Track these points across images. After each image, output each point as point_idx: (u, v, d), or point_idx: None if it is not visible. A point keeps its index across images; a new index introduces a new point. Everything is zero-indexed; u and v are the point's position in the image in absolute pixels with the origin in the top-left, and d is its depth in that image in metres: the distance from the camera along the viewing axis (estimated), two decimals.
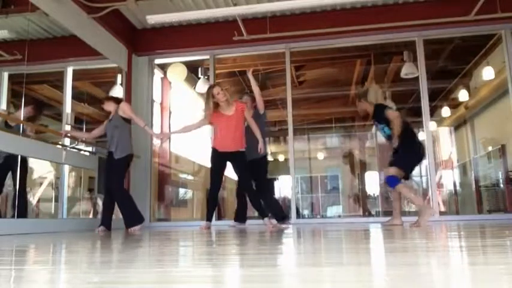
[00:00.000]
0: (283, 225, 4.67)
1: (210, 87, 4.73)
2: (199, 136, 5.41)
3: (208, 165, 4.71)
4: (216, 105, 4.62)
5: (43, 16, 4.91)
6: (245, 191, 4.76)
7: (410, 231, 3.17)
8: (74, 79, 5.80)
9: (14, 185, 4.55)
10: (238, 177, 4.78)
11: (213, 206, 4.76)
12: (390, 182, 4.23)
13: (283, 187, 9.84)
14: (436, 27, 5.74)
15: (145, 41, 6.47)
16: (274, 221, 4.65)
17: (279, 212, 4.97)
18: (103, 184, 4.80)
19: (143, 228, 4.88)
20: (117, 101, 4.84)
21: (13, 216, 4.41)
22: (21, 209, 4.57)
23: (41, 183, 5.77)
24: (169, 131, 7.16)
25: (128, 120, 4.71)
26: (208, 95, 4.63)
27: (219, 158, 4.66)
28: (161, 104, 7.24)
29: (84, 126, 6.04)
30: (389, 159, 4.46)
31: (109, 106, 4.77)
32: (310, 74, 9.03)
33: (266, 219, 4.61)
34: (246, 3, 5.52)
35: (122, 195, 4.63)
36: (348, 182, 13.80)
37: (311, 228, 4.01)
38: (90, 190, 6.13)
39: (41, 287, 1.01)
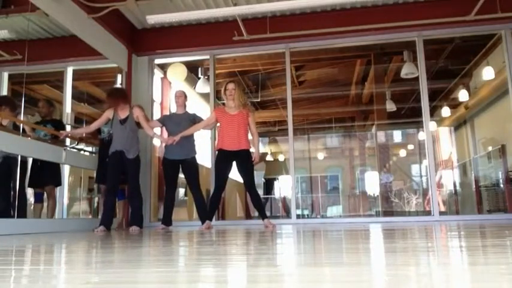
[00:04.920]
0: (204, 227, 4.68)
1: (228, 82, 4.89)
2: (199, 136, 5.43)
3: (207, 165, 4.75)
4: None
5: (43, 16, 4.91)
6: (250, 191, 4.77)
7: (411, 231, 3.17)
8: (74, 79, 5.79)
9: (14, 185, 4.55)
10: (243, 177, 4.79)
11: (214, 206, 4.83)
12: None
13: (283, 187, 9.83)
14: (436, 27, 5.74)
15: (145, 41, 6.47)
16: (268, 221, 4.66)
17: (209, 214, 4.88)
18: (109, 182, 4.80)
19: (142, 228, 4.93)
20: (125, 99, 4.91)
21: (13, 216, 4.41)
22: (21, 209, 4.58)
23: None
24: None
25: (137, 124, 4.90)
26: (224, 87, 4.82)
27: (223, 159, 4.69)
28: (161, 104, 7.24)
29: (84, 126, 6.04)
30: None
31: (123, 107, 4.85)
32: (310, 74, 9.03)
33: (266, 220, 4.64)
34: (246, 3, 5.52)
35: (140, 194, 4.85)
36: (348, 182, 13.82)
37: (311, 228, 4.01)
38: (90, 190, 6.13)
39: (40, 287, 1.01)
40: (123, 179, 4.86)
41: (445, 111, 9.65)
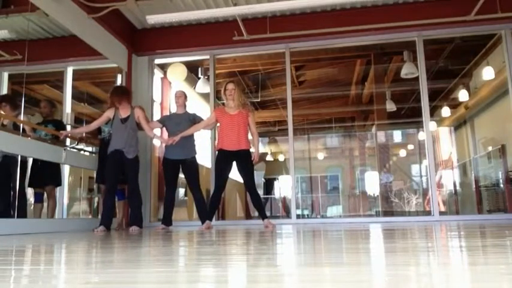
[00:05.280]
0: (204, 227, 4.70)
1: (228, 82, 4.90)
2: (199, 136, 5.44)
3: (207, 165, 4.75)
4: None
5: (43, 16, 4.91)
6: (250, 191, 4.77)
7: (411, 231, 3.17)
8: (74, 79, 5.79)
9: (14, 185, 4.55)
10: (243, 177, 4.78)
11: (215, 206, 4.83)
12: None
13: (283, 187, 9.84)
14: (436, 27, 5.74)
15: (145, 41, 6.47)
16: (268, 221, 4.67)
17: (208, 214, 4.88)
18: (108, 182, 4.79)
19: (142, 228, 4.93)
20: (129, 98, 4.94)
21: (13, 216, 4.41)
22: (21, 209, 4.58)
23: None
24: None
25: (138, 125, 4.91)
26: (223, 87, 4.83)
27: (223, 159, 4.70)
28: (161, 104, 7.24)
29: (84, 125, 6.03)
30: None
31: (125, 106, 4.84)
32: (310, 74, 9.03)
33: (266, 220, 4.65)
34: (246, 3, 5.52)
35: (139, 194, 4.84)
36: (348, 182, 13.82)
37: (311, 228, 4.01)
38: (90, 190, 6.13)
39: (40, 286, 1.01)
40: (122, 179, 4.86)
41: (445, 111, 9.65)
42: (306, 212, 12.53)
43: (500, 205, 7.67)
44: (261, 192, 8.86)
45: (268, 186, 9.99)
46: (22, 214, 4.60)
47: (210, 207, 4.82)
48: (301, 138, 12.09)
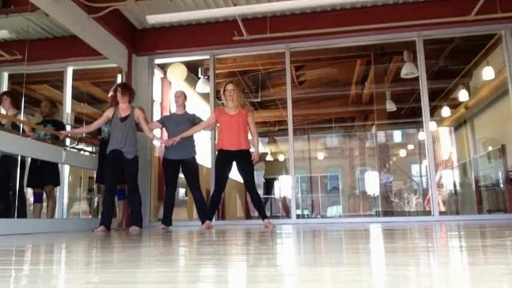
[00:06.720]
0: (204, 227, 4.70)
1: (227, 82, 4.91)
2: (199, 136, 5.44)
3: (207, 165, 4.76)
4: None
5: (43, 16, 4.91)
6: (250, 191, 4.77)
7: (411, 231, 3.17)
8: (74, 79, 5.79)
9: (14, 185, 4.55)
10: (243, 177, 4.78)
11: (215, 206, 4.84)
12: None
13: (283, 187, 9.83)
14: (436, 27, 5.74)
15: (145, 41, 6.47)
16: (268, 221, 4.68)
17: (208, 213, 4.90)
18: (107, 182, 4.79)
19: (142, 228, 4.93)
20: (132, 96, 4.96)
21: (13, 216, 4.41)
22: (21, 209, 4.58)
23: None
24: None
25: (137, 125, 4.92)
26: (223, 88, 4.85)
27: (223, 159, 4.71)
28: (161, 104, 7.24)
29: (84, 125, 6.02)
30: None
31: (125, 101, 4.83)
32: (310, 74, 9.03)
33: (266, 220, 4.65)
34: (246, 3, 5.52)
35: (139, 194, 4.85)
36: (348, 182, 13.83)
37: (311, 228, 4.01)
38: (90, 190, 6.13)
39: (40, 286, 1.01)
40: (122, 179, 4.86)
41: (445, 111, 9.65)
42: (306, 212, 12.53)
43: (500, 205, 7.67)
44: (261, 192, 8.86)
45: (268, 186, 9.98)
46: (22, 214, 4.60)
47: (210, 207, 4.83)
48: (301, 138, 12.09)
